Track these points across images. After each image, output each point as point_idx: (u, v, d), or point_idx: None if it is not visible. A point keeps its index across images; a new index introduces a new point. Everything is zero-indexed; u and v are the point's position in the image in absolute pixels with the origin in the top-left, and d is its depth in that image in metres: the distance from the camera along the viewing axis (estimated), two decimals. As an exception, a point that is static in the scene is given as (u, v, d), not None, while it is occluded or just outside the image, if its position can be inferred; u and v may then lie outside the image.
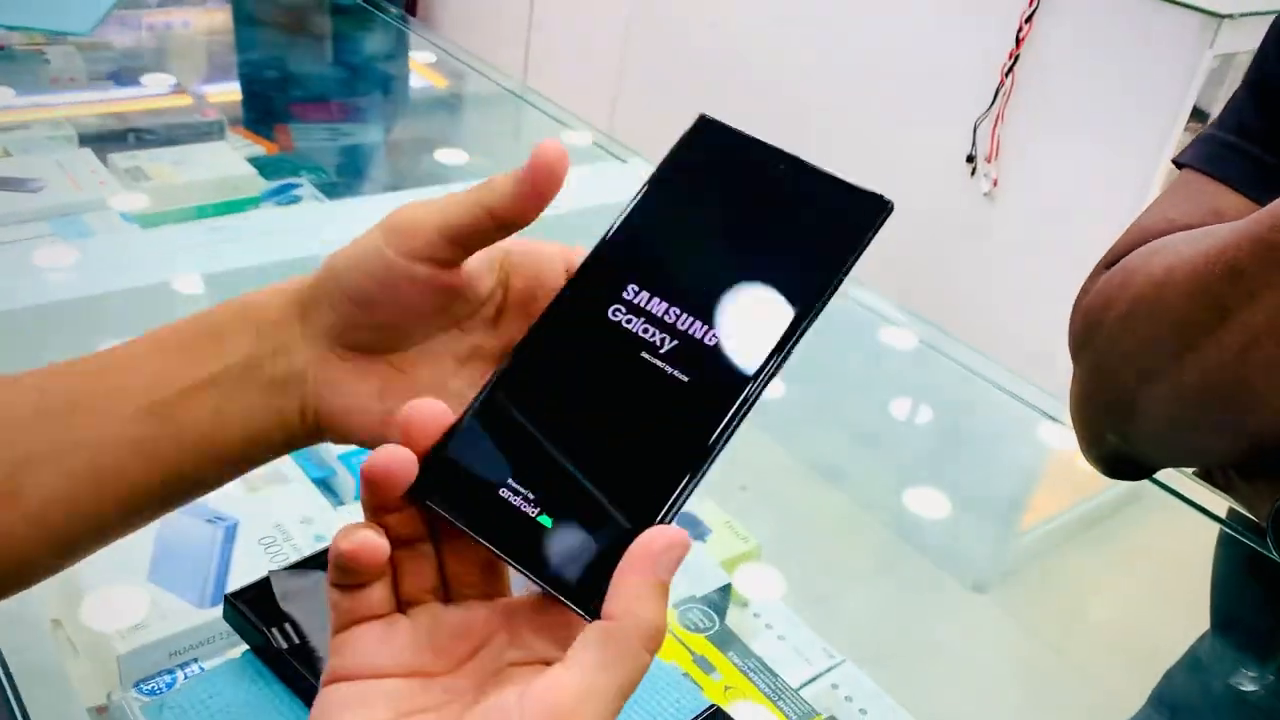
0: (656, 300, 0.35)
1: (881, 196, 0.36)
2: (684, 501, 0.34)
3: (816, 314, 0.35)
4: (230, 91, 1.52)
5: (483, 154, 1.44)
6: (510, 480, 0.34)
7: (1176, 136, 1.80)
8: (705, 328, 0.35)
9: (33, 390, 0.40)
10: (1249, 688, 0.75)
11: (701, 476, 0.34)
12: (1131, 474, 0.73)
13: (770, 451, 0.93)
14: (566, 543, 0.33)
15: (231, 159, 1.20)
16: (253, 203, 1.18)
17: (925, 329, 1.06)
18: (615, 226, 0.37)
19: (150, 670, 0.55)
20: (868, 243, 0.36)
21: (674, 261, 0.37)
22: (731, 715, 0.56)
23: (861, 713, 0.65)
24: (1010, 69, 1.92)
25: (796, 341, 0.35)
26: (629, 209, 0.38)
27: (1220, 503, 0.82)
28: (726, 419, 0.34)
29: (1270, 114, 0.66)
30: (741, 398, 0.34)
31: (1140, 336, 0.64)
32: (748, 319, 0.35)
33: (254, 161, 1.21)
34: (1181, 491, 0.84)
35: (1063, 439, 0.95)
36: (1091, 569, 1.02)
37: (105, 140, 1.18)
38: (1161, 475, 0.81)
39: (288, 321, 0.40)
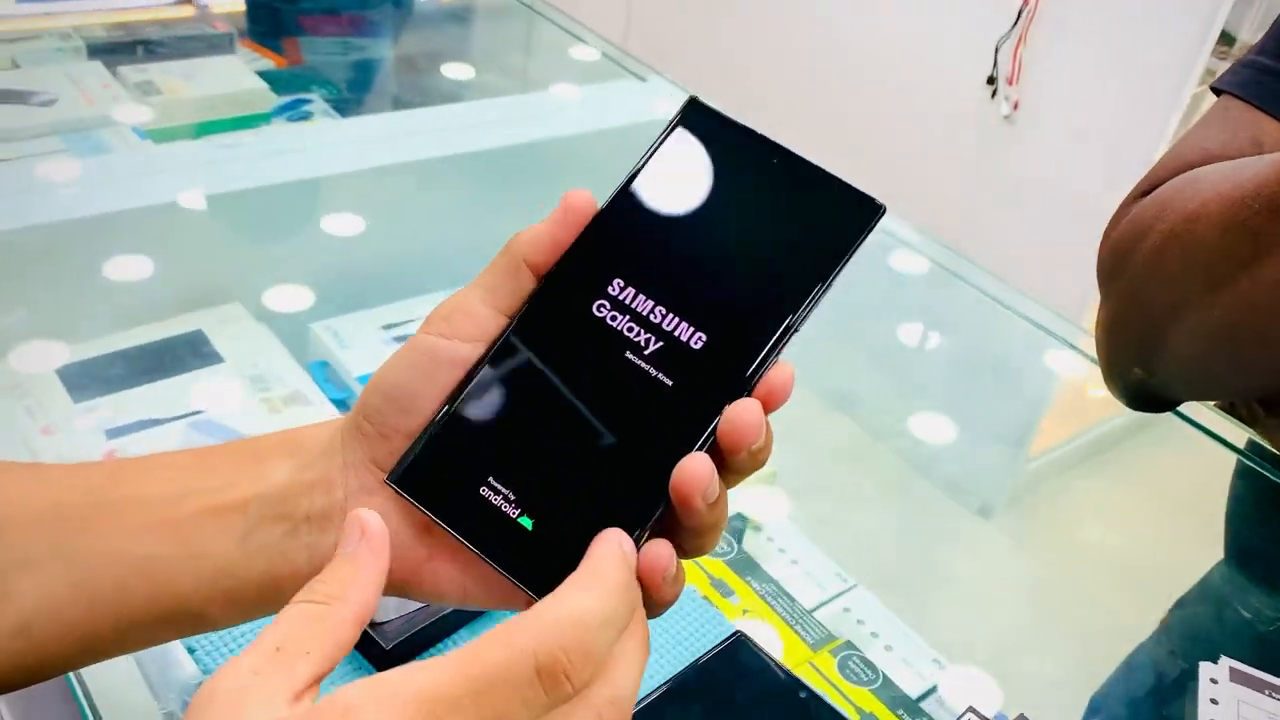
0: (642, 298, 0.34)
1: (874, 200, 0.35)
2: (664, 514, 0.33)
3: (803, 320, 0.34)
4: (234, 2, 1.49)
5: (491, 69, 1.41)
6: (491, 479, 0.33)
7: (1204, 59, 1.76)
8: (691, 330, 0.34)
9: (53, 485, 0.37)
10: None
11: None
12: (1154, 406, 0.73)
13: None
14: (547, 547, 0.32)
15: (242, 73, 1.18)
16: (264, 119, 1.16)
17: (940, 252, 1.05)
18: (600, 213, 0.36)
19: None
20: (859, 247, 0.34)
21: (662, 257, 0.35)
22: (753, 640, 0.56)
23: (873, 636, 0.66)
24: (1035, -12, 1.88)
25: (781, 348, 0.34)
26: (614, 195, 0.36)
27: (1239, 433, 0.82)
28: (709, 430, 0.33)
29: None
30: (725, 409, 0.33)
31: (1171, 270, 0.63)
32: (735, 324, 0.33)
33: (264, 76, 1.19)
34: (1199, 421, 0.84)
35: (1075, 366, 0.95)
36: (1101, 495, 1.02)
37: (114, 53, 1.16)
38: (1182, 405, 0.81)
39: (331, 452, 0.36)
